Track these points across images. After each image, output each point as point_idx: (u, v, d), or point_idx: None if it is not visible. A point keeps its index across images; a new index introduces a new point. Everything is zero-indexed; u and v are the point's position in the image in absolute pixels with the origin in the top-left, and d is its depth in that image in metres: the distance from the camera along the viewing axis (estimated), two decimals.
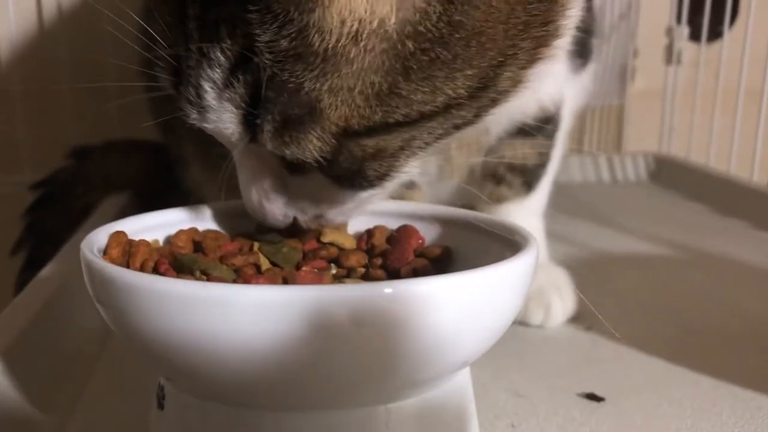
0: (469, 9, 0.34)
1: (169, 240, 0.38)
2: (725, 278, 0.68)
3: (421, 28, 0.33)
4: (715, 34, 1.05)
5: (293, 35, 0.33)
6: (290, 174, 0.38)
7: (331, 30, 0.33)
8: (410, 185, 0.58)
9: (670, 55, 1.09)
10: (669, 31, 1.09)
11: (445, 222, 0.40)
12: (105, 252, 0.33)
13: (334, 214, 0.40)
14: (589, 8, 0.60)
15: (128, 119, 0.89)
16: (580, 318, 0.57)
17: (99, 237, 0.33)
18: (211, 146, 0.60)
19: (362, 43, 0.33)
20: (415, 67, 0.34)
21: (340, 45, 0.33)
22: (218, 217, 0.41)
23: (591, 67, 0.65)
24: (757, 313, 0.59)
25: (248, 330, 0.26)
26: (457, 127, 0.37)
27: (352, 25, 0.33)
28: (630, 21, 1.10)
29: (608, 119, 1.17)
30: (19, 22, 0.95)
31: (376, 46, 0.33)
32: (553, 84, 0.58)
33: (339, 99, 0.34)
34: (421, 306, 0.27)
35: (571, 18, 0.39)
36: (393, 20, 0.33)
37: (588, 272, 0.65)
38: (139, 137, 0.84)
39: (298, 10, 0.32)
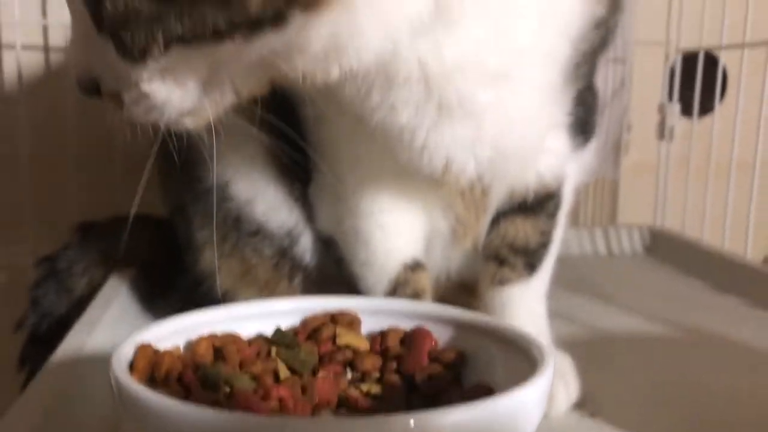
0: None
1: (190, 345, 0.38)
2: (723, 360, 0.68)
3: None
4: (706, 109, 1.08)
5: None
6: (97, 31, 0.40)
7: None
8: (415, 267, 0.59)
9: (662, 130, 1.12)
10: (661, 108, 1.12)
11: (458, 324, 0.41)
12: (132, 365, 0.34)
13: (128, 100, 0.42)
14: (590, 86, 0.63)
15: (135, 192, 0.90)
16: (584, 404, 0.57)
17: (126, 350, 0.34)
18: (227, 233, 0.62)
19: None
20: None
21: None
22: (235, 319, 0.41)
23: (593, 144, 0.67)
24: (756, 398, 0.60)
25: None
26: (211, 30, 0.37)
27: None
28: (623, 97, 1.14)
29: (603, 192, 1.20)
30: (27, 90, 0.97)
31: None
32: (554, 160, 0.59)
33: None
34: None
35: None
36: None
37: (588, 353, 0.65)
38: (145, 212, 0.85)
39: None
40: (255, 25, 0.37)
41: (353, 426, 0.27)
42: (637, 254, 1.10)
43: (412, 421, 0.26)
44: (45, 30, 0.98)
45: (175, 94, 0.41)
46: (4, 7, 0.94)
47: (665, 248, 1.06)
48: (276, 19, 0.37)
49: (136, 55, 0.39)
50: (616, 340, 0.74)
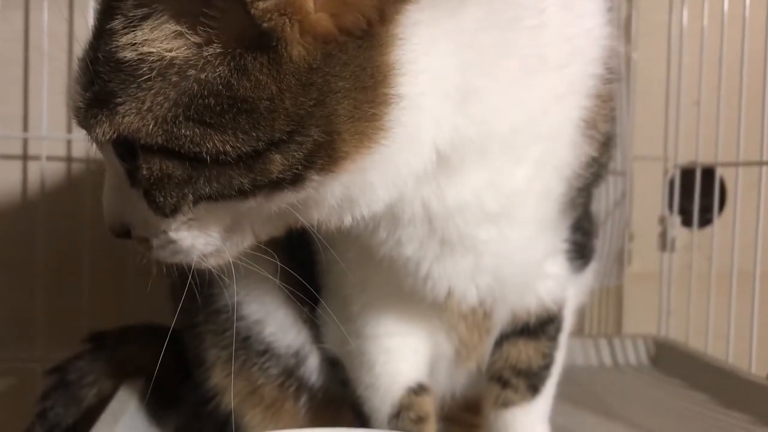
0: (242, 77, 0.40)
1: None
2: None
3: (204, 77, 0.40)
4: (707, 220, 1.11)
5: (113, 42, 0.42)
6: (130, 185, 0.45)
7: (131, 45, 0.41)
8: (419, 390, 0.60)
9: (664, 241, 1.15)
10: (662, 220, 1.15)
11: None
12: None
13: (156, 244, 0.46)
14: (588, 212, 0.65)
15: (146, 302, 0.92)
16: None
17: None
18: (236, 352, 0.64)
19: (154, 67, 0.41)
20: (192, 107, 0.41)
21: (139, 65, 0.41)
22: None
23: (592, 266, 0.69)
24: None
25: None
26: (236, 190, 0.42)
27: (147, 47, 0.41)
28: (624, 208, 1.17)
29: (607, 301, 1.21)
30: (49, 197, 1.01)
31: (166, 73, 0.41)
32: (554, 284, 0.61)
33: (134, 107, 0.41)
34: None
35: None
36: (180, 57, 0.41)
37: None
38: (156, 322, 0.87)
39: (123, 27, 0.42)
40: (275, 186, 0.42)
41: None
42: (642, 365, 1.10)
43: None
44: (69, 144, 1.03)
45: (200, 240, 0.46)
46: (33, 122, 1.00)
47: (670, 360, 1.06)
48: (295, 180, 0.41)
49: (166, 211, 0.43)
50: None
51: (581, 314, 1.18)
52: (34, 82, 1.00)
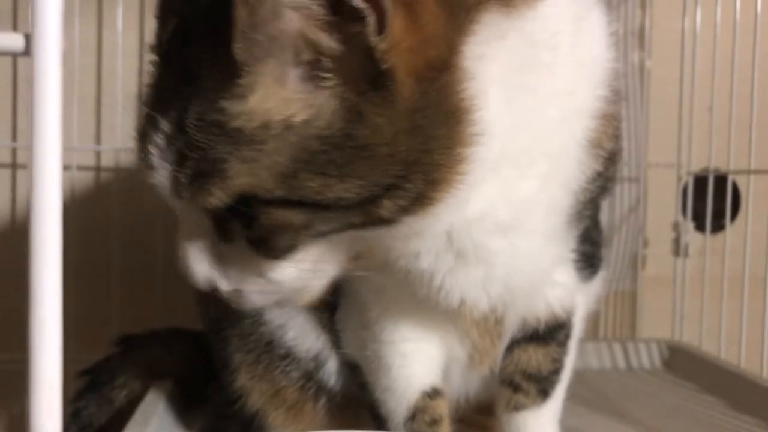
0: (360, 127, 0.42)
1: None
2: None
3: (324, 133, 0.42)
4: (720, 226, 1.12)
5: (216, 111, 0.42)
6: (220, 240, 0.46)
7: (245, 114, 0.42)
8: (434, 394, 0.63)
9: (677, 247, 1.16)
10: (676, 226, 1.17)
11: None
12: None
13: (253, 292, 0.48)
14: (596, 223, 0.68)
15: (174, 307, 0.96)
16: None
17: None
18: (260, 356, 0.67)
19: (271, 131, 0.42)
20: (314, 161, 0.42)
21: (251, 127, 0.42)
22: None
23: (601, 275, 0.71)
24: None
25: None
26: (352, 226, 0.45)
27: (264, 115, 0.42)
28: (638, 214, 1.19)
29: (622, 305, 1.23)
30: (80, 204, 1.05)
31: (283, 135, 0.42)
32: (563, 292, 0.64)
33: (246, 167, 0.42)
34: None
35: (461, 187, 0.46)
36: (298, 119, 0.42)
37: None
38: (183, 326, 0.91)
39: (222, 95, 0.42)
40: (377, 223, 0.45)
41: None
42: (656, 369, 1.11)
43: None
44: (98, 154, 1.07)
45: (300, 275, 0.48)
46: (64, 134, 1.03)
47: (683, 364, 1.08)
48: (391, 221, 0.45)
49: (279, 254, 0.46)
50: None
51: (596, 318, 1.20)
52: (65, 95, 1.03)
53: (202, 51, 0.44)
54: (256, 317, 0.67)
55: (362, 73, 0.42)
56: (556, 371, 0.66)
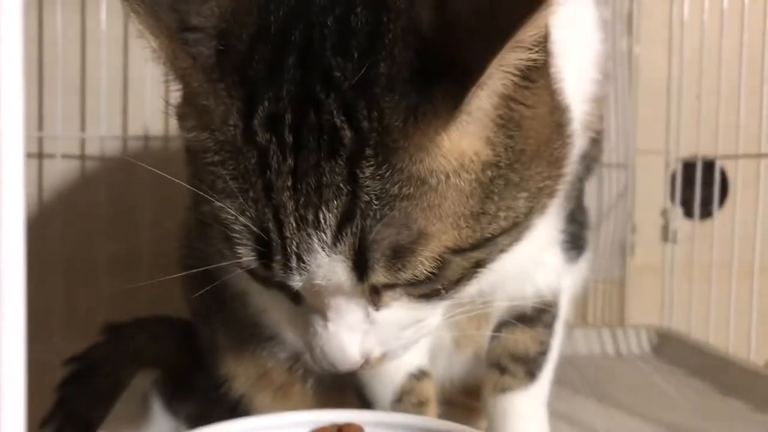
0: (525, 139, 0.42)
1: None
2: None
3: (496, 159, 0.41)
4: (708, 212, 1.12)
5: (402, 182, 0.38)
6: (377, 310, 0.42)
7: (437, 170, 0.39)
8: (421, 376, 0.63)
9: (666, 233, 1.16)
10: (664, 212, 1.17)
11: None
12: None
13: (408, 341, 0.46)
14: (581, 205, 0.68)
15: (160, 294, 0.95)
16: None
17: None
18: (246, 339, 0.66)
19: (462, 176, 0.40)
20: (496, 190, 0.41)
21: (445, 181, 0.39)
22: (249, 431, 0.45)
23: (587, 257, 0.71)
24: None
25: None
26: (512, 243, 0.44)
27: (454, 163, 0.39)
28: (627, 200, 1.19)
29: (611, 292, 1.23)
30: (64, 195, 1.04)
31: (470, 176, 0.40)
32: (550, 273, 0.64)
33: (448, 224, 0.40)
34: None
35: (569, 163, 0.47)
36: (483, 155, 0.40)
37: None
38: (169, 315, 0.90)
39: (410, 161, 0.38)
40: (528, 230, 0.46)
41: None
42: (645, 355, 1.12)
43: None
44: (82, 143, 1.06)
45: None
46: (48, 122, 1.03)
47: (672, 350, 1.08)
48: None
49: (448, 299, 0.44)
50: None
51: (584, 305, 1.20)
52: (48, 81, 1.03)
53: (357, 112, 0.38)
54: (241, 300, 0.66)
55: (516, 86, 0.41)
56: (543, 353, 0.66)
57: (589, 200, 0.73)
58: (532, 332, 0.65)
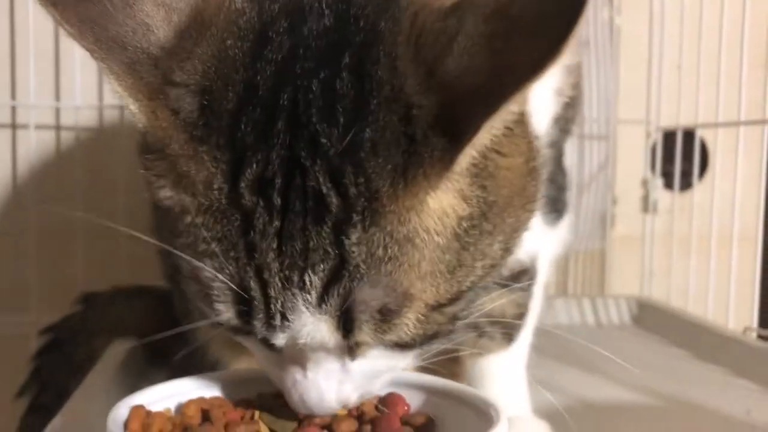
0: (498, 189, 0.41)
1: (181, 408, 0.42)
2: (701, 427, 0.70)
3: (469, 211, 0.40)
4: (688, 183, 1.13)
5: (389, 244, 0.38)
6: (352, 360, 0.42)
7: (422, 229, 0.38)
8: None
9: (646, 204, 1.17)
10: (644, 183, 1.17)
11: (428, 390, 0.44)
12: (126, 425, 0.37)
13: (381, 385, 0.45)
14: (560, 166, 0.67)
15: (137, 265, 0.94)
16: None
17: (121, 411, 0.38)
18: None
19: (440, 231, 0.39)
20: (470, 241, 0.40)
21: (425, 240, 0.39)
22: (223, 384, 0.45)
23: (567, 220, 0.71)
24: None
25: None
26: (486, 286, 0.44)
27: (435, 223, 0.39)
28: (607, 171, 1.19)
29: (591, 263, 1.23)
30: (38, 166, 1.02)
31: (446, 231, 0.39)
32: (528, 237, 0.63)
33: (427, 282, 0.39)
34: None
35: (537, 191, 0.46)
36: (459, 209, 0.39)
37: (571, 422, 0.68)
38: (145, 284, 0.89)
39: (398, 223, 0.38)
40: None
41: None
42: (625, 325, 1.12)
43: None
44: (57, 112, 1.04)
45: None
46: (21, 91, 1.01)
47: (652, 319, 1.09)
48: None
49: (427, 345, 0.43)
50: (598, 408, 0.76)
51: (564, 276, 1.20)
52: (21, 49, 1.01)
53: (338, 173, 0.38)
54: None
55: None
56: (521, 315, 0.66)
57: (570, 172, 0.73)
58: (509, 295, 0.65)
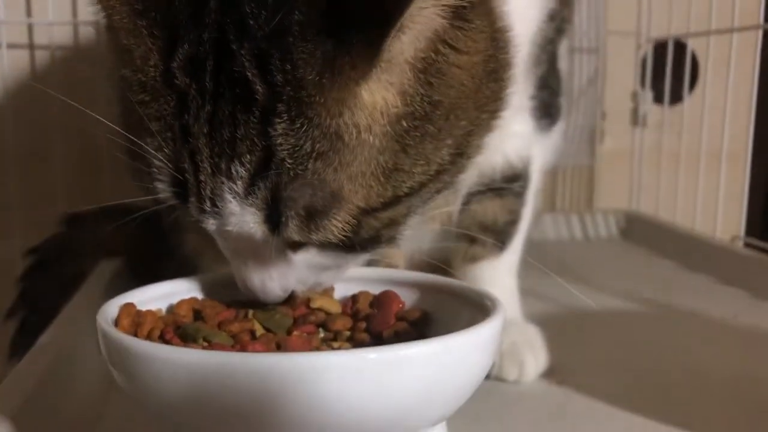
0: (446, 89, 0.39)
1: (171, 309, 0.41)
2: (692, 334, 0.71)
3: (410, 109, 0.38)
4: (678, 97, 1.11)
5: (317, 138, 0.36)
6: (293, 252, 0.41)
7: (353, 125, 0.37)
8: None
9: (636, 117, 1.15)
10: (634, 96, 1.15)
11: (422, 287, 0.44)
12: (116, 322, 0.36)
13: (330, 278, 0.44)
14: (554, 70, 0.66)
15: (121, 184, 0.92)
16: (553, 373, 0.60)
17: (111, 309, 0.37)
18: None
19: (374, 130, 0.37)
20: (411, 143, 0.38)
21: (357, 138, 0.37)
22: (215, 286, 0.44)
23: (560, 126, 0.70)
24: (720, 367, 0.63)
25: (247, 393, 0.30)
26: (441, 190, 0.42)
27: (368, 119, 0.37)
28: (597, 86, 1.17)
29: (580, 179, 1.23)
30: (12, 88, 0.99)
31: (381, 129, 0.38)
32: (520, 142, 0.62)
33: (357, 184, 0.38)
34: (403, 368, 0.30)
35: (510, 95, 0.45)
36: (396, 105, 0.38)
37: (560, 328, 0.68)
38: (131, 202, 0.87)
39: (327, 116, 0.36)
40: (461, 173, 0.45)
41: (319, 358, 0.29)
42: (613, 238, 1.13)
43: (373, 355, 0.29)
44: (30, 29, 1.00)
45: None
46: None
47: (640, 232, 1.09)
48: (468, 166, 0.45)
49: (371, 250, 0.42)
50: (587, 315, 0.77)
51: (553, 191, 1.20)
52: None
53: (268, 65, 0.36)
54: None
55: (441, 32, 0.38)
56: (513, 222, 0.65)
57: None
58: (501, 201, 0.64)
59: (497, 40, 0.42)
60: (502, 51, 0.43)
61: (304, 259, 0.41)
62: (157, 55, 0.38)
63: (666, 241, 1.02)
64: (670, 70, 1.08)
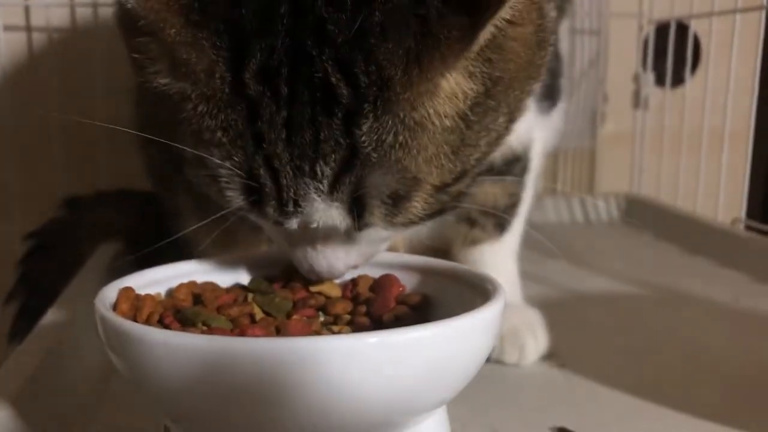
0: (504, 64, 0.39)
1: (171, 293, 0.41)
2: (692, 317, 0.71)
3: (475, 87, 0.39)
4: (680, 79, 1.11)
5: (401, 130, 0.37)
6: (359, 231, 0.41)
7: (433, 113, 0.37)
8: None
9: (637, 100, 1.15)
10: (636, 78, 1.15)
11: (423, 271, 0.43)
12: (115, 306, 0.36)
13: (383, 248, 0.46)
14: (554, 51, 0.65)
15: (119, 168, 0.92)
16: (553, 356, 0.60)
17: (110, 293, 0.37)
18: (208, 201, 0.64)
19: (448, 115, 0.38)
20: (474, 119, 0.39)
21: (433, 123, 0.38)
22: (215, 270, 0.44)
23: (560, 108, 0.69)
24: (721, 349, 0.63)
25: (247, 377, 0.29)
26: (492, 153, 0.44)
27: (444, 104, 0.38)
28: (598, 68, 1.16)
29: (581, 161, 1.22)
30: (10, 71, 0.99)
31: (452, 112, 0.38)
32: (520, 124, 0.62)
33: (433, 165, 0.38)
34: (404, 352, 0.30)
35: (545, 61, 0.45)
36: (465, 87, 0.38)
37: (561, 311, 0.68)
38: (130, 186, 0.87)
39: (411, 108, 0.37)
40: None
41: (319, 342, 0.29)
42: (614, 221, 1.13)
43: (374, 339, 0.29)
44: (27, 10, 0.99)
45: None
46: None
47: (641, 215, 1.09)
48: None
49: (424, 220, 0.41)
50: (588, 299, 0.77)
51: (554, 174, 1.19)
52: None
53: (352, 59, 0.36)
54: (199, 162, 0.63)
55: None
56: (513, 205, 0.65)
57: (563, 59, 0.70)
58: (502, 184, 0.64)
59: (542, 9, 0.43)
60: (546, 19, 0.44)
61: (368, 235, 0.42)
62: (224, 67, 0.37)
63: (667, 224, 1.01)
64: (672, 52, 1.08)
